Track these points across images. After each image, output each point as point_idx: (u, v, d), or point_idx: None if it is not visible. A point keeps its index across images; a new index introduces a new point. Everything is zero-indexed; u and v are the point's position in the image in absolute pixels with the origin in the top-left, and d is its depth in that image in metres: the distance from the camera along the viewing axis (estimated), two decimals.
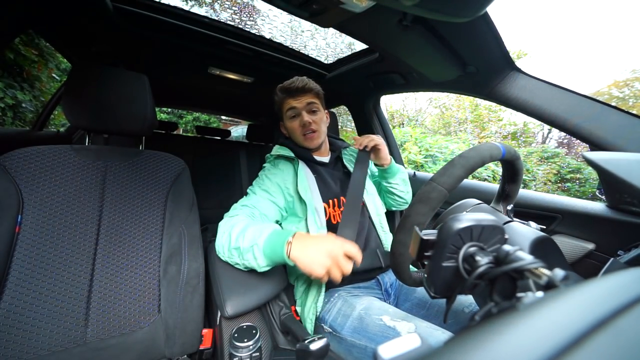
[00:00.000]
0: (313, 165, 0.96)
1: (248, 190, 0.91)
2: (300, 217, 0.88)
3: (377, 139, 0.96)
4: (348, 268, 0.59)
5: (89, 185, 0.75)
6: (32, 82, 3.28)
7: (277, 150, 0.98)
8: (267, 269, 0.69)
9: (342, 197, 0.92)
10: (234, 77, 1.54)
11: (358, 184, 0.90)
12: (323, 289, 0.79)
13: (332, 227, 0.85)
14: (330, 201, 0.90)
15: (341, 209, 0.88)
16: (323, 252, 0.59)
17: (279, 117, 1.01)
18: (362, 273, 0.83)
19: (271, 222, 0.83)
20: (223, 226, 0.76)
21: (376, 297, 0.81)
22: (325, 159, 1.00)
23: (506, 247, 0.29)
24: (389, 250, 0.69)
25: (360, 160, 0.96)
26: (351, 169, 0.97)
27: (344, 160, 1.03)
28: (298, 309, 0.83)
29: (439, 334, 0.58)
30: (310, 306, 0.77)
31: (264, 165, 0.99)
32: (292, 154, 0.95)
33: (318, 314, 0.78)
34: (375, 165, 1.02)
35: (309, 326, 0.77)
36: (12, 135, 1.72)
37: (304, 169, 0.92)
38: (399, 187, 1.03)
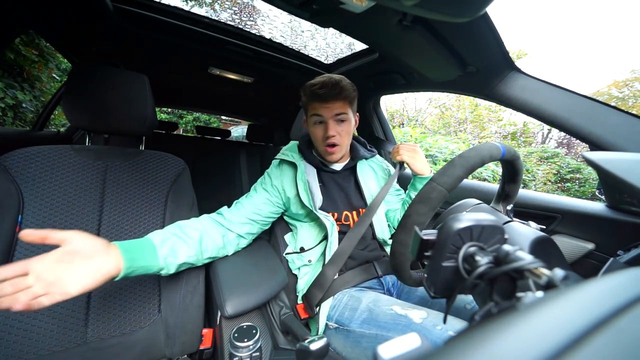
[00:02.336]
0: (320, 172, 0.93)
1: (253, 186, 0.94)
2: (304, 221, 0.91)
3: (404, 153, 0.87)
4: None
5: (89, 186, 0.75)
6: (32, 82, 3.28)
7: (283, 153, 0.95)
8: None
9: (344, 212, 0.90)
10: (234, 77, 1.55)
11: (378, 200, 0.85)
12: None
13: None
14: (330, 213, 0.87)
15: (340, 222, 0.88)
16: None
17: (305, 112, 0.92)
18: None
19: (251, 230, 0.88)
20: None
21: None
22: (338, 166, 0.94)
23: (506, 247, 0.29)
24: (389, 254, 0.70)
25: (392, 177, 0.91)
26: (362, 182, 0.93)
27: (357, 170, 0.95)
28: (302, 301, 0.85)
29: (451, 320, 0.60)
30: (321, 307, 0.79)
31: (273, 161, 0.99)
32: (292, 159, 0.91)
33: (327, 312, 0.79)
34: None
35: (321, 325, 0.77)
36: (12, 135, 1.72)
37: (307, 175, 0.88)
38: None
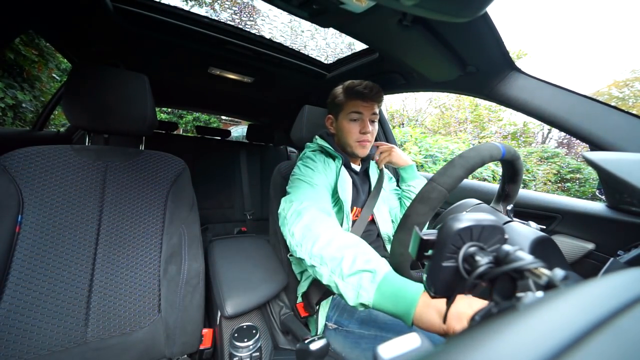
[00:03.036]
0: (348, 170, 0.96)
1: (304, 181, 0.81)
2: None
3: (383, 158, 1.03)
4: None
5: (89, 185, 0.75)
6: (32, 82, 3.28)
7: (321, 142, 0.94)
8: (362, 305, 0.50)
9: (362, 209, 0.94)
10: (234, 77, 1.54)
11: (373, 199, 0.94)
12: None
13: None
14: (354, 208, 0.92)
15: (356, 219, 0.91)
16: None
17: (331, 110, 0.95)
18: None
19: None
20: (309, 218, 0.65)
21: None
22: (357, 167, 1.00)
23: (506, 247, 0.29)
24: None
25: (379, 179, 1.01)
26: (373, 182, 1.00)
27: (370, 172, 1.03)
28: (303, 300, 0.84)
29: None
30: (321, 307, 0.79)
31: (306, 154, 0.92)
32: (334, 153, 0.92)
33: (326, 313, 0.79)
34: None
35: (320, 326, 0.77)
36: (12, 135, 1.72)
37: (344, 170, 0.92)
38: (414, 191, 1.03)
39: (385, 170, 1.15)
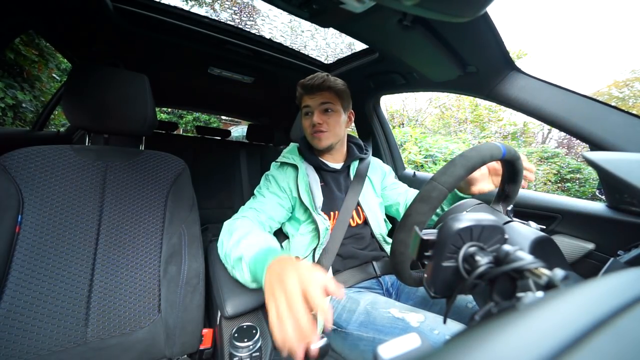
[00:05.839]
0: (321, 171, 0.95)
1: (256, 192, 0.92)
2: (301, 221, 0.90)
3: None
4: (319, 301, 0.41)
5: (89, 185, 0.75)
6: (32, 82, 3.28)
7: (283, 156, 0.97)
8: (254, 285, 0.63)
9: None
10: (234, 77, 1.54)
11: (350, 200, 0.91)
12: None
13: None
14: (332, 213, 0.90)
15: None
16: (293, 276, 0.44)
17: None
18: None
19: (270, 233, 0.85)
20: (225, 227, 0.77)
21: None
22: (337, 165, 0.97)
23: (506, 247, 0.29)
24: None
25: (358, 175, 0.96)
26: (358, 180, 0.96)
27: (351, 170, 0.99)
28: None
29: (448, 323, 0.60)
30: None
31: (272, 164, 0.99)
32: (293, 161, 0.93)
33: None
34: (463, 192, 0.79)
35: (319, 327, 0.77)
36: (12, 135, 1.72)
37: (308, 175, 0.90)
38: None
39: (378, 161, 1.12)
